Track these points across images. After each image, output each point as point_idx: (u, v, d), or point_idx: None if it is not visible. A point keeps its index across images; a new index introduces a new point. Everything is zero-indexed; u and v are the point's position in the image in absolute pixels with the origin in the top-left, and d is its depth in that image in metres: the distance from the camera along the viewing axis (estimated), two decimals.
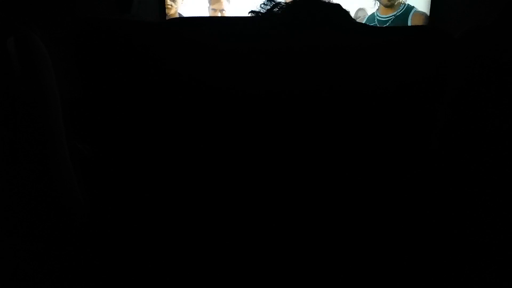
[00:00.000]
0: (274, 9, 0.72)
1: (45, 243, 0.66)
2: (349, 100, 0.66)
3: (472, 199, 0.71)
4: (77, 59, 0.68)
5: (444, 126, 0.71)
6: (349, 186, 0.69)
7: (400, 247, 0.72)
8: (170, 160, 0.69)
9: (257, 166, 0.68)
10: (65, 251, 0.68)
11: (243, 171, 0.69)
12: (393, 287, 0.73)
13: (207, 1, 1.59)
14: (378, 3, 1.56)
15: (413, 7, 1.54)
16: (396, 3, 1.55)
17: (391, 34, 0.70)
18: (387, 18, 1.56)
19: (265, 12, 0.73)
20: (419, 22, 1.54)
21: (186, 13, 1.59)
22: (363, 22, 1.55)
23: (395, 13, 1.55)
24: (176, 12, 1.59)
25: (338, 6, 0.73)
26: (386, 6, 1.56)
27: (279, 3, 0.73)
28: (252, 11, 0.74)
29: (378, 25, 1.56)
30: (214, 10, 1.59)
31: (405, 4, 1.54)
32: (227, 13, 1.58)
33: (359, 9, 1.58)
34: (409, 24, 1.54)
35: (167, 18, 1.56)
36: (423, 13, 1.54)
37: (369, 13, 1.57)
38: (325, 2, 0.72)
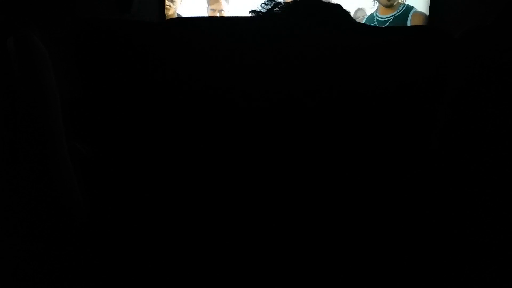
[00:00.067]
0: (275, 9, 0.72)
1: (45, 243, 0.66)
2: (349, 100, 0.66)
3: (472, 199, 0.71)
4: (77, 59, 0.68)
5: (444, 126, 0.71)
6: (349, 186, 0.69)
7: (400, 247, 0.72)
8: (171, 161, 0.69)
9: (258, 166, 0.68)
10: (65, 251, 0.68)
11: (244, 171, 0.69)
12: (393, 287, 0.73)
13: (206, 2, 1.58)
14: (378, 3, 1.56)
15: (413, 7, 1.54)
16: (395, 3, 1.54)
17: (391, 34, 0.70)
18: (387, 18, 1.56)
19: (265, 12, 0.73)
20: (418, 22, 1.54)
21: (184, 14, 1.58)
22: (362, 22, 1.54)
23: (394, 13, 1.55)
24: (174, 12, 1.58)
25: (338, 6, 0.73)
26: (386, 6, 1.56)
27: (280, 3, 0.73)
28: (252, 11, 0.74)
29: (377, 25, 1.56)
30: (213, 10, 1.59)
31: (404, 4, 1.54)
32: (226, 13, 1.58)
33: (358, 9, 1.57)
34: (409, 24, 1.53)
35: (166, 18, 1.56)
36: (422, 13, 1.53)
37: (368, 13, 1.57)
38: (325, 2, 0.72)
